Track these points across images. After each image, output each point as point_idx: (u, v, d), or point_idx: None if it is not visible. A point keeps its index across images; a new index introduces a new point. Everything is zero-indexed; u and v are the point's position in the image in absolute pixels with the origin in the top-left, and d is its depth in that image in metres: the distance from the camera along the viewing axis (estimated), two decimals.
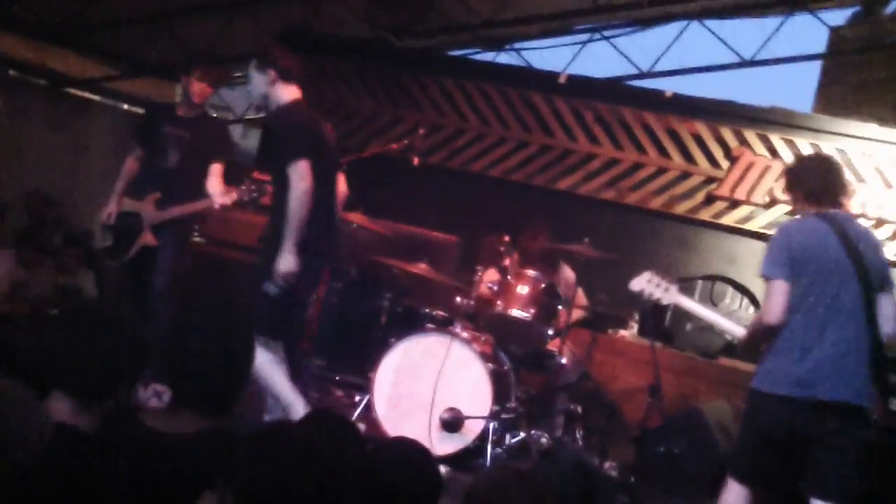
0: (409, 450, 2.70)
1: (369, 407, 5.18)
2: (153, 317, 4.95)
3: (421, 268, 5.66)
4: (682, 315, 6.90)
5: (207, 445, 2.28)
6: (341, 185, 4.97)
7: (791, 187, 3.98)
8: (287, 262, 4.43)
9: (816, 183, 3.89)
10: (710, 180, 7.45)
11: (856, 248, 3.71)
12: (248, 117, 10.33)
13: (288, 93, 4.70)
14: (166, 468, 2.20)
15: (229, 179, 5.25)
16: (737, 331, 4.00)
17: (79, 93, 8.97)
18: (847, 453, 3.59)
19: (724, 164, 7.42)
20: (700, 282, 7.02)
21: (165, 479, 2.17)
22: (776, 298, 3.67)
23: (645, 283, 4.21)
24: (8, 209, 7.35)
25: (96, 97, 9.23)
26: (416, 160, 5.99)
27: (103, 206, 5.40)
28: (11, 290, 6.38)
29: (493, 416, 5.04)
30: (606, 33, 8.85)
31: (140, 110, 9.30)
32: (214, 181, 5.27)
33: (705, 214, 7.46)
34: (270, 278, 4.44)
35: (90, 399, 2.33)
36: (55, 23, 7.81)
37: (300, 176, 4.44)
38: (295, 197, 4.42)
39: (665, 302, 4.19)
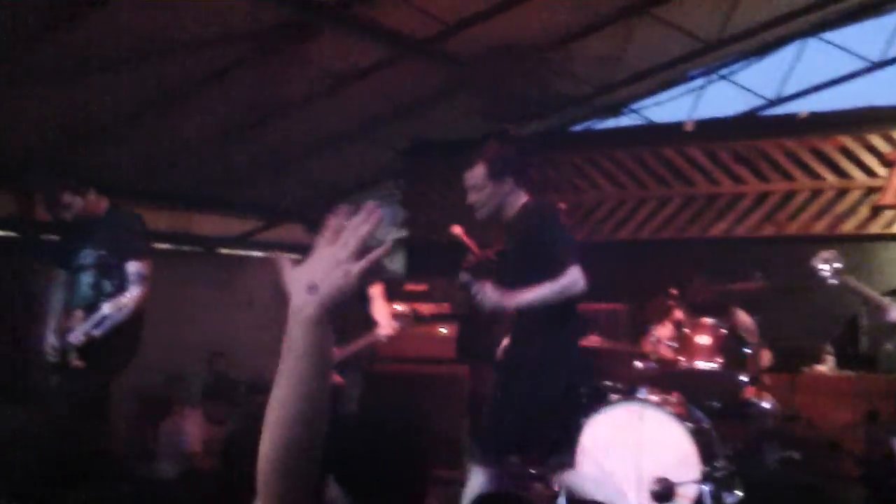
0: None
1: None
2: None
3: (593, 340, 5.47)
4: (878, 337, 6.46)
5: None
6: None
7: None
8: None
9: None
10: (871, 191, 7.05)
11: None
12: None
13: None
14: None
15: None
16: None
17: (228, 251, 9.33)
18: None
19: (882, 171, 7.02)
20: None
21: None
22: None
23: (821, 262, 4.52)
24: (186, 376, 7.64)
25: (244, 252, 9.56)
26: None
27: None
28: (204, 448, 6.56)
29: (705, 477, 4.74)
30: (723, 72, 8.64)
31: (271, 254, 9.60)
32: (379, 304, 5.36)
33: (875, 227, 7.02)
34: None
35: None
36: (198, 189, 8.21)
37: None
38: None
39: (831, 282, 4.48)
